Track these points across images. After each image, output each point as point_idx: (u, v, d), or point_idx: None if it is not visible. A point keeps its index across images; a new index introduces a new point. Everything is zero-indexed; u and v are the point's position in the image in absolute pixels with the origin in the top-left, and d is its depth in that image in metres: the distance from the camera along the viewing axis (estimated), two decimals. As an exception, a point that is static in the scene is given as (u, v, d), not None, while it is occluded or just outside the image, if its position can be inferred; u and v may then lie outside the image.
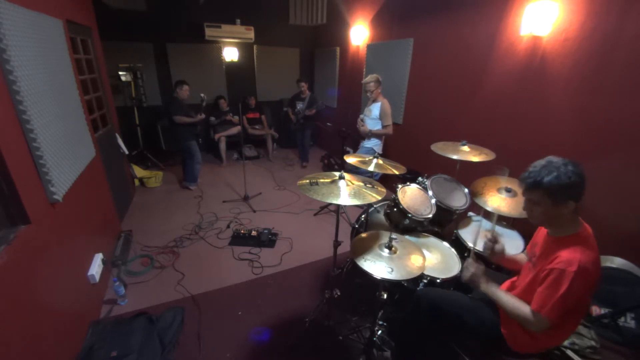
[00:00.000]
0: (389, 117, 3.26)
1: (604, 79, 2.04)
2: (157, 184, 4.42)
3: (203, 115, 4.05)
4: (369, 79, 3.24)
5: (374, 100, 3.31)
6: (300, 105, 5.18)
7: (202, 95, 3.99)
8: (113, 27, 4.09)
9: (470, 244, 1.64)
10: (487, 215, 1.88)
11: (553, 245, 1.24)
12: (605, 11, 1.98)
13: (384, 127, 3.30)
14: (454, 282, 1.77)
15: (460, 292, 1.74)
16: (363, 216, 2.34)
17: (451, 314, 1.47)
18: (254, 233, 3.12)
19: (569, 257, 1.13)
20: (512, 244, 1.95)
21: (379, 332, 1.94)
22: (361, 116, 3.42)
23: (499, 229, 2.10)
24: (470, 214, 2.28)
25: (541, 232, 1.40)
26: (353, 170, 2.82)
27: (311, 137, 5.54)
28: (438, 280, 1.68)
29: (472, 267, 1.47)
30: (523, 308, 1.25)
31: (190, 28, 5.18)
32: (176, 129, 3.96)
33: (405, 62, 3.75)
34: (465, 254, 1.61)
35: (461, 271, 1.58)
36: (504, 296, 1.33)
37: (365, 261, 1.44)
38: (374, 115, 3.30)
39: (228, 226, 3.35)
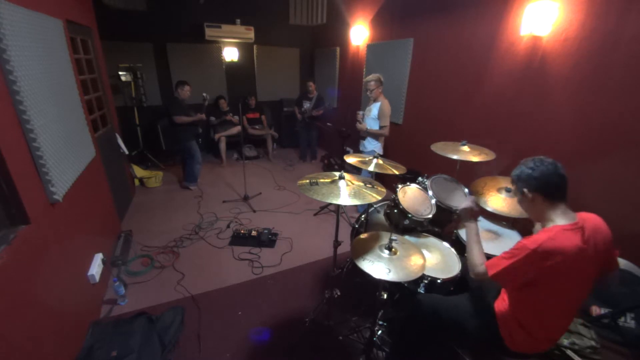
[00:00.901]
0: (387, 118, 3.25)
1: (604, 79, 2.04)
2: (157, 184, 4.42)
3: (203, 115, 4.05)
4: (370, 77, 3.23)
5: (375, 100, 3.31)
6: (307, 105, 5.22)
7: (204, 94, 3.99)
8: (113, 27, 4.09)
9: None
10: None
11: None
12: (605, 11, 1.98)
13: (380, 127, 3.28)
14: (454, 282, 1.77)
15: (460, 290, 1.74)
16: (363, 216, 2.35)
17: (450, 320, 1.48)
18: (254, 233, 3.12)
19: (537, 236, 1.18)
20: (512, 244, 1.95)
21: (379, 332, 1.94)
22: (360, 112, 3.38)
23: (499, 229, 2.10)
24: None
25: None
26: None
27: (317, 138, 5.63)
28: (439, 281, 1.67)
29: (471, 202, 1.59)
30: (477, 260, 1.38)
31: (190, 28, 5.18)
32: (176, 129, 3.96)
33: (405, 62, 3.75)
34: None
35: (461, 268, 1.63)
36: (475, 243, 1.45)
37: (364, 261, 1.43)
38: (373, 115, 3.30)
39: (228, 226, 3.35)
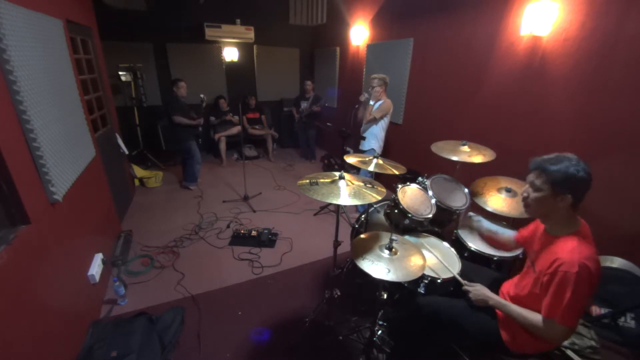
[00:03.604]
0: (382, 111, 3.23)
1: (604, 79, 2.04)
2: (157, 184, 4.42)
3: (201, 120, 4.04)
4: (376, 75, 3.23)
5: (377, 100, 3.29)
6: (304, 105, 5.26)
7: (202, 96, 3.98)
8: (113, 27, 4.09)
9: (456, 273, 1.64)
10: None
11: (551, 244, 1.24)
12: (605, 11, 1.98)
13: (372, 115, 3.24)
14: (454, 282, 1.77)
15: (460, 290, 1.74)
16: (363, 216, 2.34)
17: (450, 322, 1.48)
18: (254, 233, 3.12)
19: (568, 258, 1.12)
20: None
21: (379, 332, 1.94)
22: (365, 94, 3.32)
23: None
24: (470, 213, 2.28)
25: (538, 229, 1.39)
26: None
27: (315, 137, 5.66)
28: (439, 281, 1.67)
29: (472, 289, 1.47)
30: (533, 317, 1.23)
31: (190, 28, 5.18)
32: (176, 129, 3.96)
33: (405, 62, 3.75)
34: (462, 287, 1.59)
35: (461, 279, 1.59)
36: (514, 308, 1.32)
37: (364, 261, 1.43)
38: (374, 110, 3.29)
39: (228, 226, 3.35)
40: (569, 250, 1.14)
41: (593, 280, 1.12)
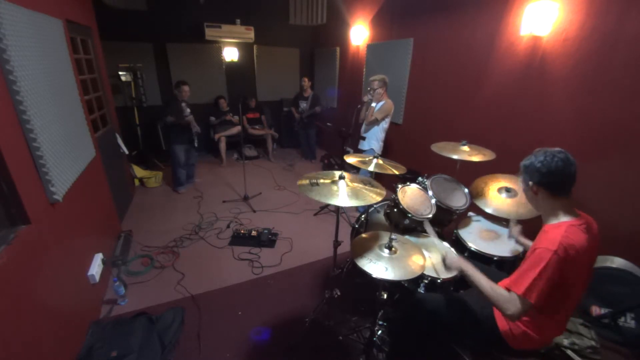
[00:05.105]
0: (383, 112, 3.24)
1: (604, 79, 2.04)
2: (157, 184, 4.42)
3: (189, 116, 3.78)
4: (375, 77, 3.23)
5: (379, 101, 3.30)
6: (303, 105, 5.26)
7: (188, 110, 3.80)
8: (113, 27, 4.09)
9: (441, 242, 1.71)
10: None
11: (542, 232, 1.25)
12: (605, 11, 1.99)
13: (374, 116, 3.25)
14: (454, 282, 1.77)
15: (460, 290, 1.74)
16: (363, 216, 2.35)
17: (450, 319, 1.48)
18: (254, 233, 3.12)
19: (551, 237, 1.14)
20: (513, 244, 1.95)
21: (379, 332, 1.94)
22: (368, 96, 3.34)
23: (499, 229, 2.10)
24: (470, 214, 2.28)
25: None
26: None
27: (315, 137, 5.66)
28: (439, 281, 1.68)
29: (449, 254, 1.53)
30: (500, 290, 1.23)
31: (190, 28, 5.18)
32: (166, 130, 3.95)
33: (405, 62, 3.75)
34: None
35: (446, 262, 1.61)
36: (483, 281, 1.30)
37: (364, 260, 1.43)
38: (376, 110, 3.30)
39: (228, 226, 3.35)
40: (557, 232, 1.15)
41: (572, 267, 1.11)
